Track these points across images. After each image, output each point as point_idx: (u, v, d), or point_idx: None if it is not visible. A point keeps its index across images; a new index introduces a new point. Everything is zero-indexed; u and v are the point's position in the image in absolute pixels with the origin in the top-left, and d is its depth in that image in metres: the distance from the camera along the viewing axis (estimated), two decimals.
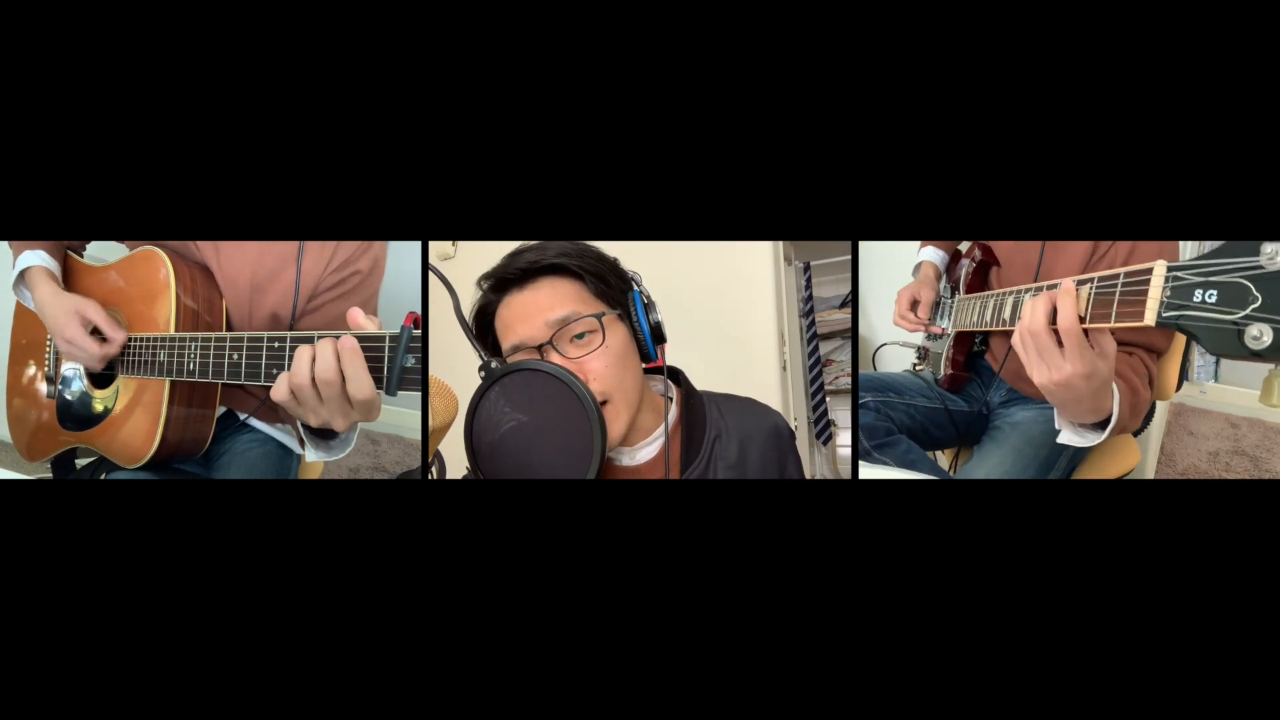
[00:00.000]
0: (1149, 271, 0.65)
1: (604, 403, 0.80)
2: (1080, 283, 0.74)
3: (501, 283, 0.84)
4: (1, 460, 1.94)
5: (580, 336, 0.81)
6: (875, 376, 1.35)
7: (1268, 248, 0.56)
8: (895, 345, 1.48)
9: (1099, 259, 1.09)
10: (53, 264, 1.11)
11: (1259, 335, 0.57)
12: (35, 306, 1.09)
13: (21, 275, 1.11)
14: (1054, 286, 0.76)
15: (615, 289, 0.86)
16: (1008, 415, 1.27)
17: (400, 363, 0.72)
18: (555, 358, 0.80)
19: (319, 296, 1.12)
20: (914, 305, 1.38)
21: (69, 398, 1.16)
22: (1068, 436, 0.91)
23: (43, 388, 1.21)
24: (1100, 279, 0.71)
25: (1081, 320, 0.73)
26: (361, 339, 0.74)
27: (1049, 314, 0.75)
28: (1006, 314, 1.06)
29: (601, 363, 0.80)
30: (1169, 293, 0.64)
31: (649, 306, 0.87)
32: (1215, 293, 0.60)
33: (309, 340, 0.77)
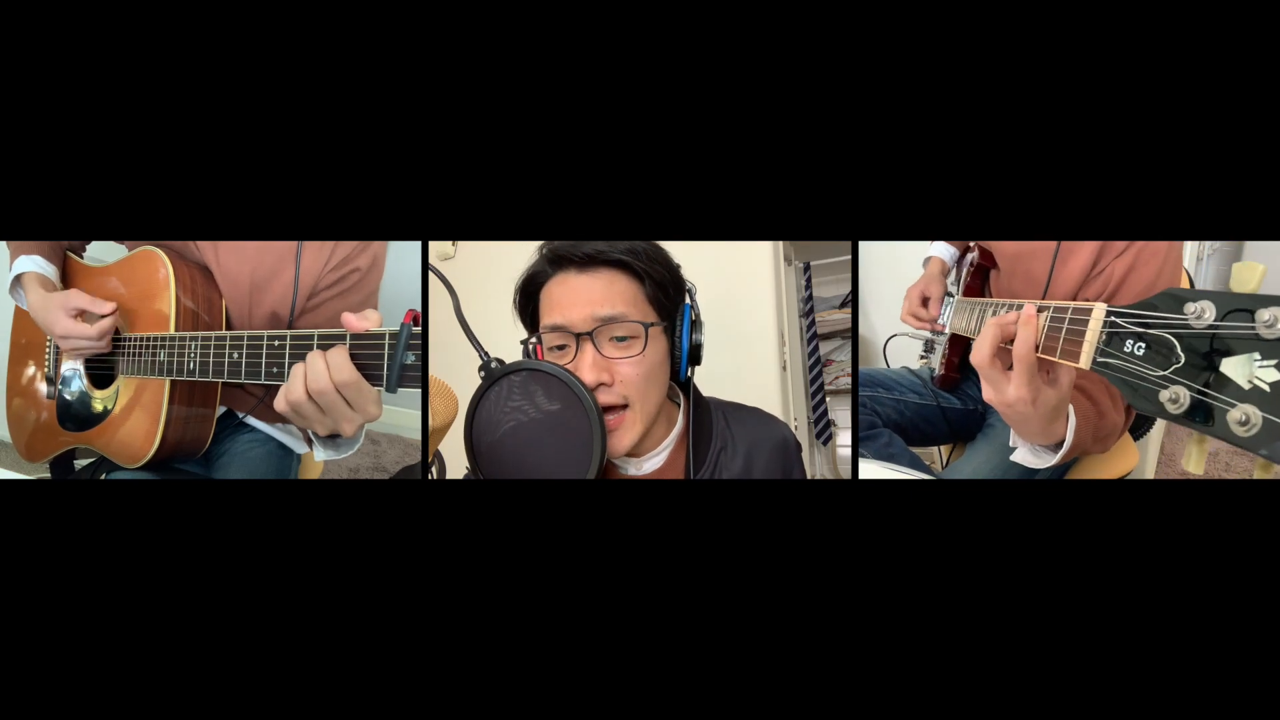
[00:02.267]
0: (1089, 313, 0.64)
1: (624, 406, 0.79)
2: (1040, 309, 0.73)
3: (562, 259, 0.82)
4: (1, 460, 1.94)
5: (622, 339, 0.79)
6: (866, 372, 1.36)
7: (1265, 314, 0.48)
8: (905, 337, 1.49)
9: (1096, 275, 1.06)
10: (48, 268, 1.12)
11: (1176, 399, 0.53)
12: (30, 313, 1.10)
13: (17, 279, 1.12)
14: (1016, 308, 0.76)
15: (671, 300, 0.84)
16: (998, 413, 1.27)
17: (400, 360, 0.72)
18: (590, 351, 0.78)
19: (318, 294, 1.12)
20: (924, 302, 1.37)
21: (69, 398, 1.16)
22: (1022, 455, 0.91)
23: (42, 388, 1.21)
24: (1055, 310, 0.70)
25: (1036, 349, 0.73)
26: (361, 337, 0.73)
27: (997, 343, 0.76)
28: None
29: (634, 370, 0.79)
30: (1104, 338, 0.62)
31: (695, 324, 0.85)
32: (1144, 346, 0.58)
33: (309, 340, 0.76)
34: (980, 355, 0.76)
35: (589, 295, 0.80)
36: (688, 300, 0.87)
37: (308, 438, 0.97)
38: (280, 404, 0.77)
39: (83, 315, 1.04)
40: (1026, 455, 0.91)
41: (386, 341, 0.73)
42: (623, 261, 0.81)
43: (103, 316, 1.03)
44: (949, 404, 1.34)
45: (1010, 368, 0.76)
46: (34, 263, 1.11)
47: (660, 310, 0.83)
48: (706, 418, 0.90)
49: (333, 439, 0.92)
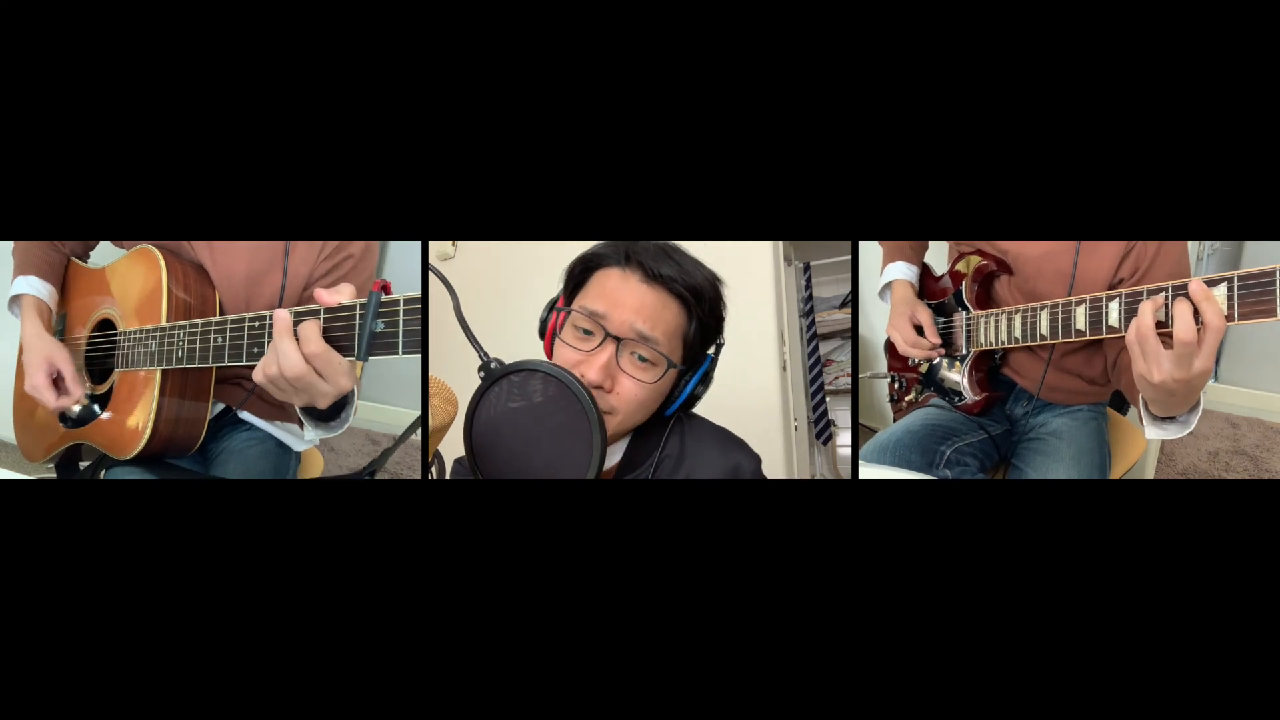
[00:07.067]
0: (1273, 272, 0.71)
1: (609, 414, 0.79)
2: (1210, 283, 0.76)
3: (633, 260, 0.82)
4: (2, 460, 1.94)
5: (643, 359, 0.80)
6: (931, 423, 1.25)
7: None
8: (877, 378, 1.44)
9: (1128, 254, 1.04)
10: (43, 289, 1.14)
11: None
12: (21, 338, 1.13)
13: (15, 299, 1.14)
14: (1180, 291, 0.78)
15: (702, 348, 0.86)
16: (1043, 425, 1.22)
17: (370, 328, 0.74)
18: (609, 352, 0.79)
19: (315, 283, 1.12)
20: (917, 329, 1.28)
21: None
22: (1165, 431, 0.91)
23: None
24: (1240, 278, 0.74)
25: (1229, 319, 0.75)
26: (332, 310, 0.76)
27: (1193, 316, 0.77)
28: (1044, 328, 1.04)
29: (635, 392, 0.80)
30: None
31: (706, 377, 0.86)
32: None
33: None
34: (1187, 333, 0.76)
35: (640, 305, 0.80)
36: (711, 352, 0.87)
37: (300, 422, 1.00)
38: (258, 375, 0.80)
39: (58, 379, 1.07)
40: (1173, 429, 0.91)
41: (357, 312, 0.75)
42: (684, 297, 0.82)
43: (70, 395, 1.07)
44: (995, 429, 1.25)
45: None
46: (29, 284, 1.13)
47: (688, 354, 0.84)
48: (660, 425, 0.88)
49: (321, 419, 0.96)
